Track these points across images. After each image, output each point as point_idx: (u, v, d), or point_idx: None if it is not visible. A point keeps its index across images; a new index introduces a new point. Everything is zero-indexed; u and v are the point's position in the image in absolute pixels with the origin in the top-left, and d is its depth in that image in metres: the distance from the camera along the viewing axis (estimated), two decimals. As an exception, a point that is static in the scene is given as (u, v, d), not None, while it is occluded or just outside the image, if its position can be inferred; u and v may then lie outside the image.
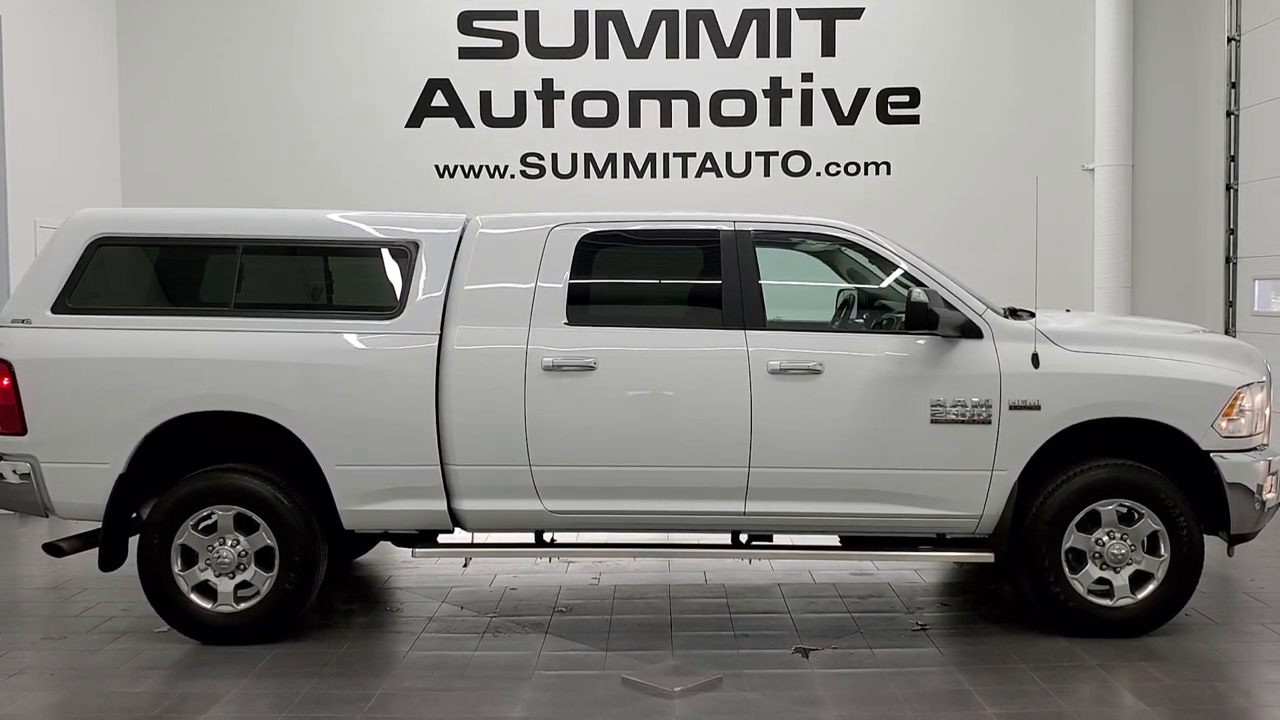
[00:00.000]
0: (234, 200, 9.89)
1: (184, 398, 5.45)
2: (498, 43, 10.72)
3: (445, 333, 5.51)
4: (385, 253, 5.72)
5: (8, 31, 8.93)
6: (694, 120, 10.70)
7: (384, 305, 5.59)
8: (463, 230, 5.74)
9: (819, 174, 10.69)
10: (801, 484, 5.46)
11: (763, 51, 10.68)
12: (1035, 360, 5.42)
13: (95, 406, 5.45)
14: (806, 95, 10.69)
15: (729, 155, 10.71)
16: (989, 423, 5.39)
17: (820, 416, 5.43)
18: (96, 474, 5.46)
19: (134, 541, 5.58)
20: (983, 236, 10.36)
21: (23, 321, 5.55)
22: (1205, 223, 10.65)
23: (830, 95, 10.68)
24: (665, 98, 10.70)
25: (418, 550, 5.78)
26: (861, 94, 10.67)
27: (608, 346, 5.49)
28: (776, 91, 10.69)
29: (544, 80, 10.72)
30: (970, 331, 5.47)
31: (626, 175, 10.73)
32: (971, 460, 5.42)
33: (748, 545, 5.82)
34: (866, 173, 10.67)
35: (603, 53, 10.71)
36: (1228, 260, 10.49)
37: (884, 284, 5.78)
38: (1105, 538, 5.48)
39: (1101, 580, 5.48)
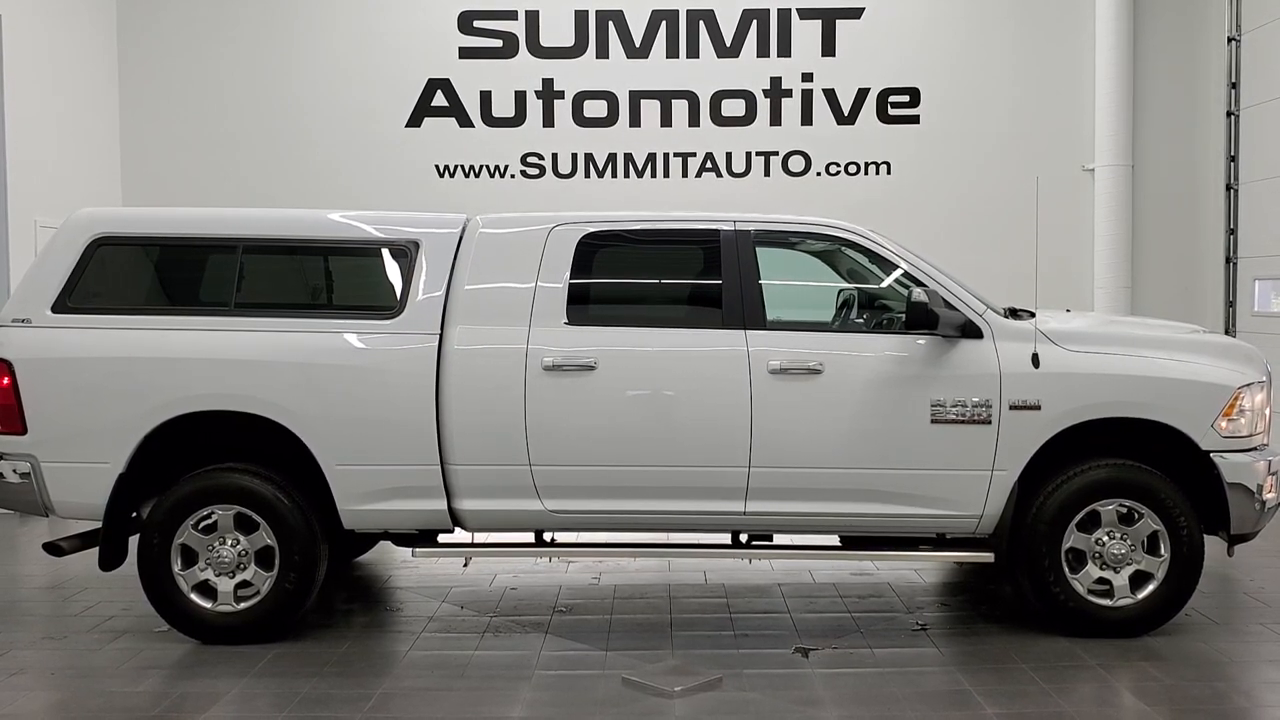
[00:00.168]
0: (234, 200, 9.89)
1: (184, 397, 5.45)
2: (498, 43, 10.72)
3: (445, 332, 5.51)
4: (385, 252, 5.73)
5: (8, 31, 8.93)
6: (694, 120, 10.70)
7: (384, 305, 5.59)
8: (463, 230, 5.74)
9: (819, 174, 10.69)
10: (802, 484, 5.46)
11: (763, 51, 10.68)
12: (1035, 360, 5.42)
13: (95, 406, 5.45)
14: (806, 95, 10.69)
15: (729, 155, 10.71)
16: (989, 423, 5.39)
17: (820, 416, 5.43)
18: (97, 473, 5.46)
19: (134, 541, 5.58)
20: (983, 236, 10.37)
21: (23, 321, 5.55)
22: (1205, 223, 10.65)
23: (830, 95, 10.68)
24: (665, 98, 10.70)
25: (418, 550, 5.78)
26: (861, 94, 10.67)
27: (608, 346, 5.49)
28: (776, 91, 10.69)
29: (544, 80, 10.72)
30: (970, 331, 5.47)
31: (626, 175, 10.73)
32: (971, 460, 5.42)
33: (748, 545, 5.82)
34: (866, 173, 10.68)
35: (603, 53, 10.71)
36: (1228, 260, 10.50)
37: (884, 284, 5.78)
38: (1105, 538, 5.48)
39: (1101, 580, 5.48)
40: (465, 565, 6.97)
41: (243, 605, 5.48)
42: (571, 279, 5.60)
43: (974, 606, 6.25)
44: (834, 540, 5.82)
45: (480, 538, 6.00)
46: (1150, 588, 5.47)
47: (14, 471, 5.53)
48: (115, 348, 5.49)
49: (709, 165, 10.72)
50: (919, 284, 5.52)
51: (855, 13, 10.67)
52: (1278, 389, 6.04)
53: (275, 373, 5.44)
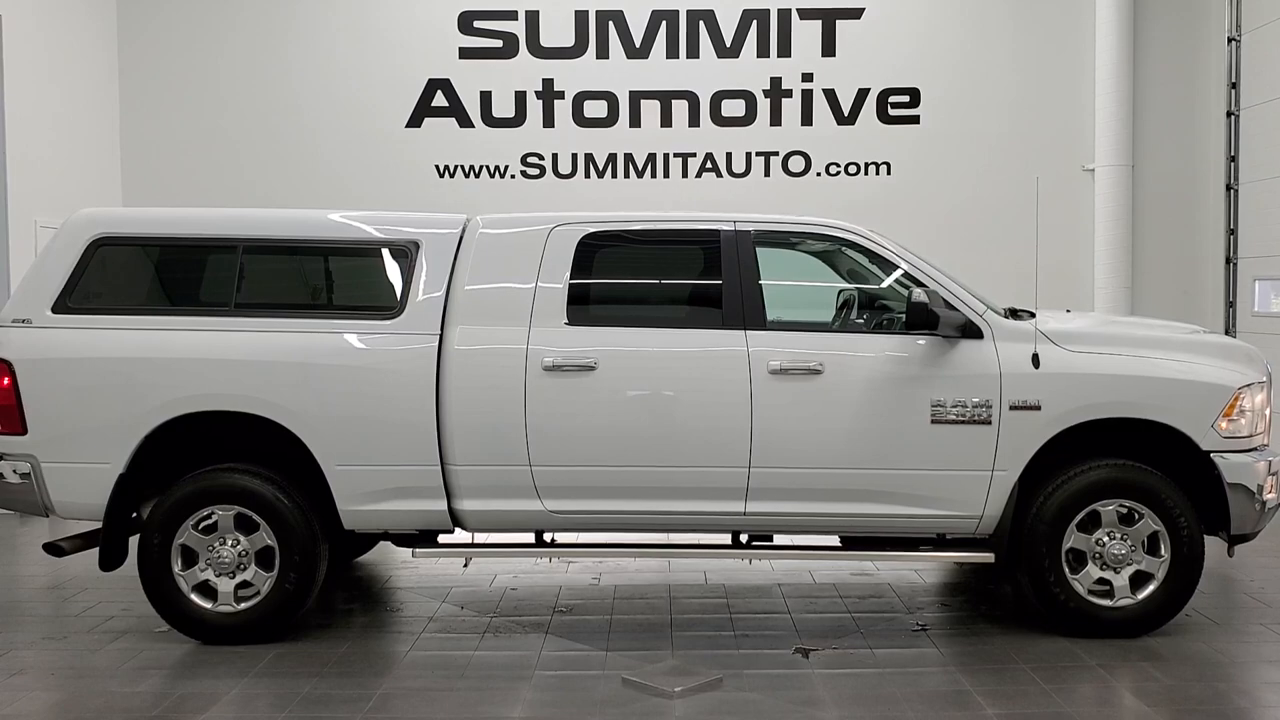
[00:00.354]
0: (234, 200, 9.88)
1: (184, 398, 5.45)
2: (498, 43, 10.71)
3: (445, 333, 5.51)
4: (385, 253, 5.73)
5: (8, 31, 8.93)
6: (694, 120, 10.69)
7: (384, 305, 5.59)
8: (463, 230, 5.74)
9: (819, 174, 10.68)
10: (802, 484, 5.46)
11: (763, 51, 10.68)
12: (1035, 360, 5.42)
13: (96, 406, 5.45)
14: (806, 95, 10.68)
15: (729, 155, 10.71)
16: (989, 423, 5.39)
17: (820, 416, 5.43)
18: (97, 474, 5.46)
19: (134, 541, 5.58)
20: (983, 236, 10.36)
21: (23, 321, 5.55)
22: (1205, 223, 10.64)
23: (830, 95, 10.67)
24: (665, 98, 10.69)
25: (418, 550, 5.79)
26: (861, 94, 10.67)
27: (608, 346, 5.49)
28: (776, 92, 10.69)
29: (544, 80, 10.71)
30: (970, 332, 5.47)
31: (627, 175, 10.72)
32: (972, 460, 5.42)
33: (748, 545, 5.82)
34: (866, 173, 10.67)
35: (603, 53, 10.70)
36: (1228, 260, 10.49)
37: (884, 284, 5.78)
38: (1105, 538, 5.48)
39: (1102, 580, 5.48)
40: (465, 566, 6.97)
41: (243, 605, 5.48)
42: (572, 279, 5.60)
43: (974, 606, 6.25)
44: (834, 540, 5.82)
45: (480, 538, 6.00)
46: (1150, 588, 5.47)
47: (14, 472, 5.53)
48: (115, 348, 5.49)
49: (709, 165, 10.71)
50: (919, 284, 5.52)
51: (855, 13, 10.67)
52: (1278, 389, 6.04)
53: (275, 373, 5.44)
